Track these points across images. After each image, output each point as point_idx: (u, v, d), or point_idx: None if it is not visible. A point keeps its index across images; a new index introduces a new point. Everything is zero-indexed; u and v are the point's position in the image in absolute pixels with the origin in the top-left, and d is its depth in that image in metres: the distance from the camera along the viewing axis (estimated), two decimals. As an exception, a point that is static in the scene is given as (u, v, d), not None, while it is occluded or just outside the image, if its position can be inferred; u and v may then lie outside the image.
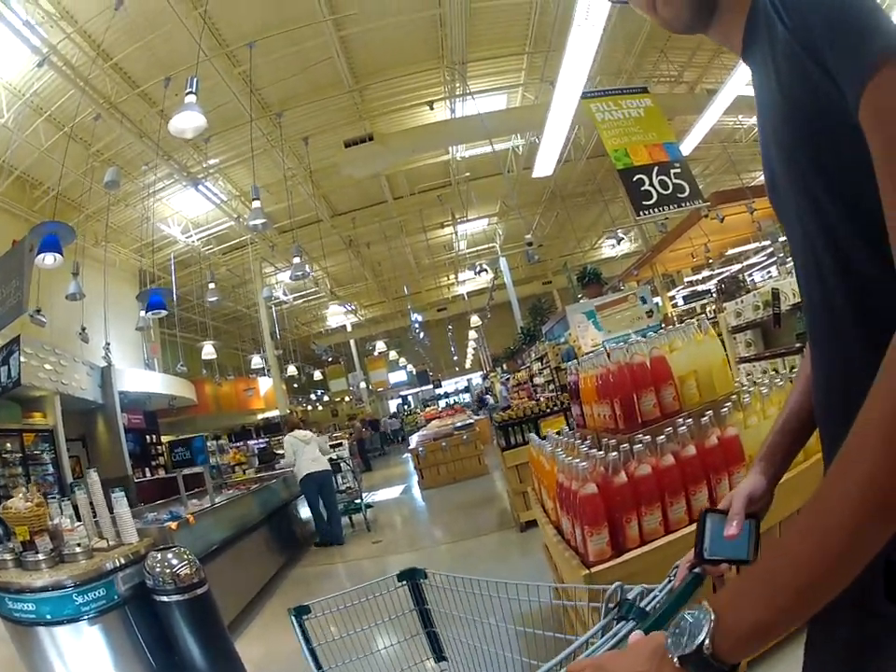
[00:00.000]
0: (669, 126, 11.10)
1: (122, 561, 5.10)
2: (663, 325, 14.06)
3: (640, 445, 3.12)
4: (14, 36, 10.69)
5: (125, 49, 12.63)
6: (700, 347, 3.97)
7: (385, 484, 18.64)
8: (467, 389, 48.78)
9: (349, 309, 33.30)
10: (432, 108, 16.87)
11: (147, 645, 5.02)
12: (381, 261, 30.15)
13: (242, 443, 27.61)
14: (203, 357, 20.28)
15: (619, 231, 19.67)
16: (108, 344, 15.66)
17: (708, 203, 11.79)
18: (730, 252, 17.93)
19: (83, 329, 14.16)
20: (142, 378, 19.28)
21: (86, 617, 4.75)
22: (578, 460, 3.15)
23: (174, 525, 6.23)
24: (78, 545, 5.11)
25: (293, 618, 2.60)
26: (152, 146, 14.86)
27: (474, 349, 41.16)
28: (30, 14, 10.78)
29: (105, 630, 4.86)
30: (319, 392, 41.93)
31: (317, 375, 34.55)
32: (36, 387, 13.69)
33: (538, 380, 18.92)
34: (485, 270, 18.86)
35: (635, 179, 10.17)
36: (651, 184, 10.12)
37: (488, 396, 37.32)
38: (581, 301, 15.03)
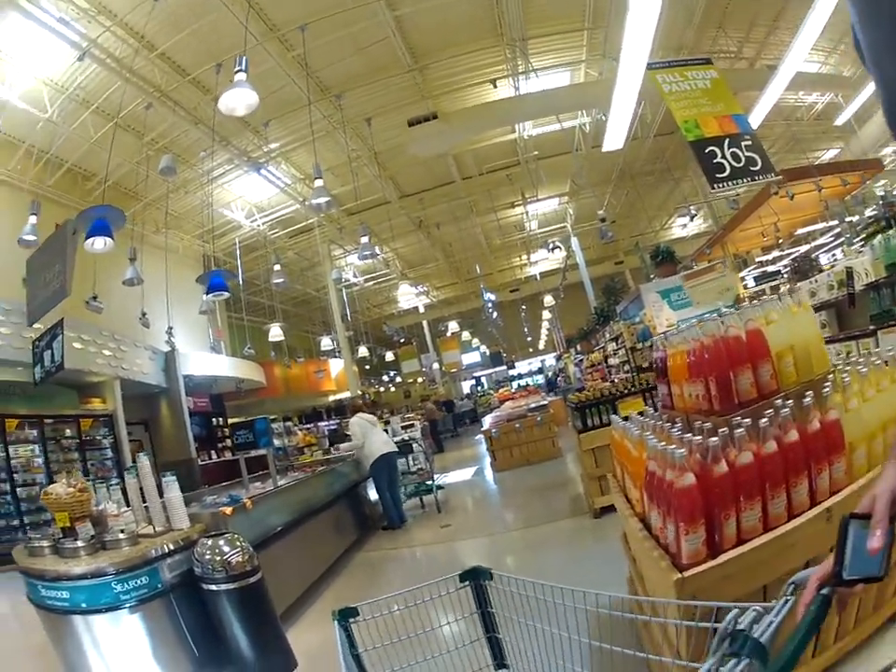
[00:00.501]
0: (736, 98, 10.65)
1: (170, 547, 4.93)
2: (737, 305, 14.01)
3: (741, 430, 2.68)
4: (50, 34, 10.95)
5: (170, 39, 12.71)
6: (796, 320, 3.52)
7: (457, 466, 18.28)
8: (540, 371, 48.37)
9: (420, 291, 33.05)
10: (496, 86, 16.58)
11: (192, 634, 4.84)
12: (451, 242, 29.81)
13: (312, 425, 27.63)
14: (271, 338, 20.37)
15: (691, 206, 18.91)
16: (171, 329, 15.78)
17: (781, 178, 11.41)
18: (799, 232, 17.27)
19: (143, 315, 14.30)
20: (207, 362, 19.39)
21: (126, 605, 4.58)
22: (673, 446, 2.72)
23: (228, 510, 5.96)
24: (122, 531, 4.92)
25: (337, 622, 2.44)
26: (209, 132, 14.77)
27: (548, 330, 40.83)
28: (62, 11, 10.91)
29: (147, 618, 4.70)
30: (391, 373, 41.90)
31: (389, 357, 34.53)
32: (94, 373, 13.80)
33: (612, 361, 18.59)
34: (559, 247, 18.41)
35: (707, 151, 9.95)
36: (724, 156, 9.91)
37: (559, 378, 37.09)
38: (654, 280, 14.64)
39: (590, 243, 32.28)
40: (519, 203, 26.11)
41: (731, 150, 9.98)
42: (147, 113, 13.91)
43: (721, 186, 9.75)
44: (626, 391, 8.43)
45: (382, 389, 44.18)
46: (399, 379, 42.98)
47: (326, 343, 25.06)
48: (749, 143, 10.16)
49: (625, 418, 5.27)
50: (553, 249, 16.37)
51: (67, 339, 12.19)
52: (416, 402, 37.81)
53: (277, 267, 15.74)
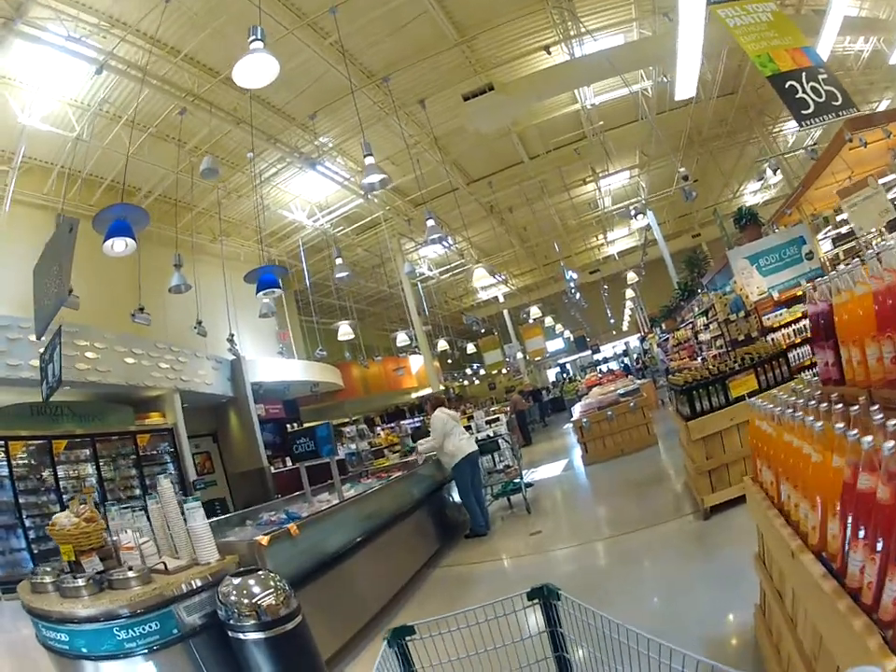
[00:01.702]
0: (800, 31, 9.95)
1: (190, 587, 4.17)
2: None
3: None
4: (63, 53, 10.84)
5: (193, 40, 12.24)
6: None
7: (546, 459, 17.08)
8: (625, 353, 47.10)
9: (499, 280, 32.11)
10: (549, 53, 15.70)
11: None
12: (526, 226, 28.98)
13: (395, 424, 27.04)
14: (340, 337, 19.62)
15: (769, 161, 17.75)
16: (232, 336, 15.19)
17: (859, 111, 10.12)
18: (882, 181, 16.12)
19: (199, 323, 13.74)
20: (277, 367, 19.03)
21: (136, 653, 3.88)
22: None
23: (264, 539, 5.03)
24: (130, 568, 4.17)
25: (387, 641, 2.44)
26: (253, 131, 14.14)
27: (631, 310, 39.57)
28: (70, 30, 10.68)
29: (161, 668, 3.96)
30: (475, 366, 41.18)
31: (471, 349, 33.90)
32: (150, 387, 13.59)
33: (703, 336, 17.49)
34: (641, 213, 17.35)
35: (787, 86, 9.21)
36: (805, 91, 9.17)
37: (638, 359, 36.14)
38: (737, 248, 14.25)
39: (664, 217, 31.25)
40: (591, 178, 25.30)
41: (810, 84, 9.27)
42: (184, 119, 13.52)
43: (808, 122, 8.93)
44: (738, 367, 7.28)
45: (466, 383, 43.52)
46: (482, 371, 42.21)
47: (401, 338, 24.09)
48: (826, 76, 9.50)
49: (738, 399, 4.35)
50: (635, 215, 15.29)
51: (118, 354, 12.64)
52: (502, 394, 37.09)
53: (339, 261, 14.87)
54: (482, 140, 19.17)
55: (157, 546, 4.70)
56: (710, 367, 7.46)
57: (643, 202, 28.53)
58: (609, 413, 13.71)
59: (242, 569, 4.40)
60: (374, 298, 31.94)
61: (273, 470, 16.49)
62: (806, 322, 12.48)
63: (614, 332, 45.56)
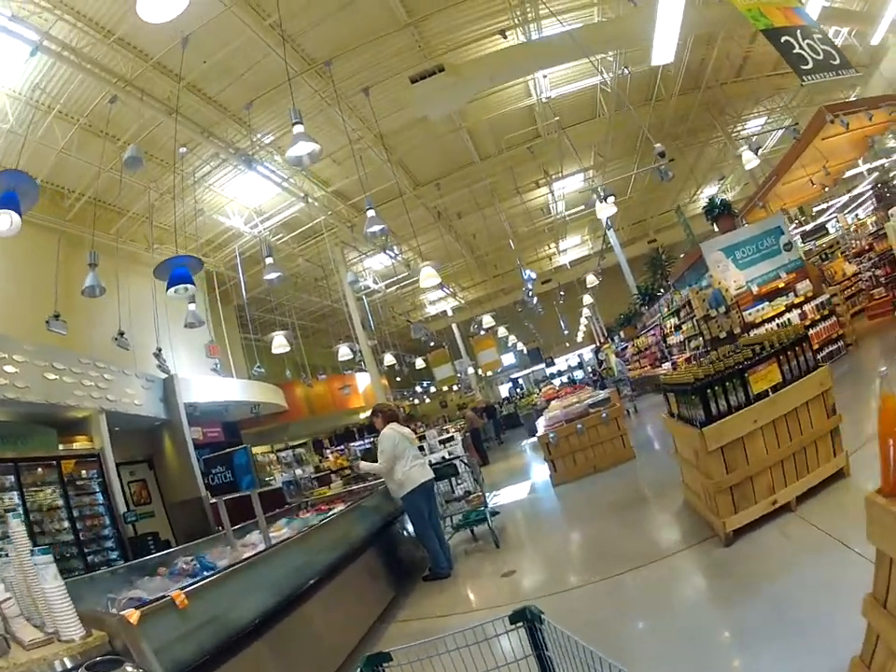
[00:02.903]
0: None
1: None
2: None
3: None
4: (4, 35, 10.09)
5: (127, 22, 11.10)
6: None
7: (508, 480, 15.51)
8: (580, 366, 46.49)
9: (448, 292, 31.49)
10: (505, 37, 14.76)
11: None
12: (475, 233, 27.92)
13: (343, 446, 25.74)
14: (275, 350, 17.56)
15: (751, 142, 16.88)
16: (160, 350, 13.82)
17: (860, 74, 12.73)
18: (849, 173, 17.01)
19: (121, 335, 12.53)
20: (213, 387, 17.60)
21: None
22: None
23: (133, 615, 3.59)
24: None
25: (362, 669, 2.39)
26: (187, 123, 13.84)
27: (587, 318, 38.79)
28: (14, 10, 10.05)
29: None
30: (424, 384, 40.15)
31: (420, 364, 32.72)
32: (73, 407, 12.37)
33: (674, 339, 16.45)
34: (613, 195, 16.28)
35: (783, 41, 9.86)
36: (801, 47, 9.83)
37: (593, 372, 35.48)
38: (711, 240, 13.78)
39: (619, 224, 30.84)
40: (543, 181, 24.43)
41: (806, 42, 9.87)
42: (116, 112, 12.60)
43: (809, 77, 9.64)
44: (758, 357, 5.90)
45: (416, 402, 42.46)
46: (432, 389, 41.15)
47: (344, 352, 22.16)
48: (820, 37, 10.19)
49: (759, 395, 4.98)
50: (605, 198, 14.16)
51: (38, 369, 11.34)
52: (454, 412, 36.03)
53: (270, 260, 13.21)
54: (430, 137, 18.39)
55: (20, 607, 3.42)
56: (725, 361, 5.99)
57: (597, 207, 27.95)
58: (579, 425, 12.11)
59: (101, 658, 3.21)
60: (318, 313, 31.05)
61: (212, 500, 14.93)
62: (791, 316, 11.69)
63: (567, 344, 45.54)
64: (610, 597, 5.62)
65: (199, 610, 4.16)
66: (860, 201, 17.64)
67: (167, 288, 9.62)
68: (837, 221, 15.66)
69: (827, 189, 17.07)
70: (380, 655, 2.39)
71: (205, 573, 5.29)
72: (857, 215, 16.20)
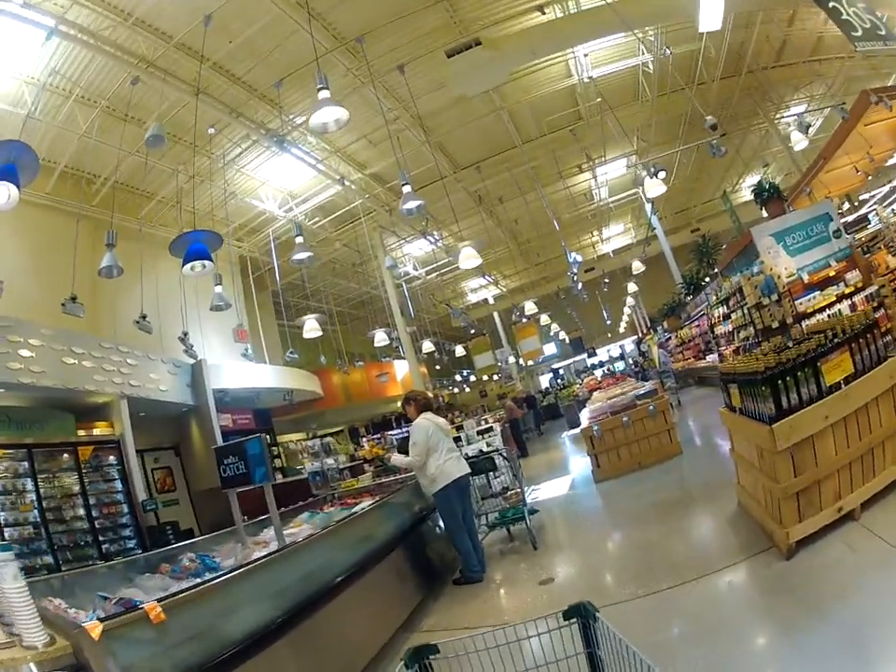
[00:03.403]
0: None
1: None
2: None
3: None
4: (18, 22, 9.99)
5: (146, 3, 11.06)
6: None
7: (548, 475, 14.77)
8: (621, 357, 45.85)
9: (489, 280, 31.20)
10: (544, 13, 14.23)
11: None
12: (517, 219, 27.34)
13: (380, 435, 25.29)
14: (306, 334, 16.93)
15: (800, 118, 16.12)
16: (186, 334, 13.33)
17: None
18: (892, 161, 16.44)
19: (143, 318, 11.98)
20: (245, 372, 17.26)
21: None
22: None
23: (94, 629, 3.08)
24: None
25: (405, 662, 2.28)
26: (213, 102, 13.54)
27: (630, 307, 37.97)
28: None
29: None
30: (465, 372, 39.64)
31: (459, 351, 31.85)
32: (93, 392, 12.16)
33: (721, 329, 15.78)
34: (664, 170, 15.65)
35: (831, 6, 9.85)
36: (848, 14, 9.79)
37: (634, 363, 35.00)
38: (762, 224, 13.15)
39: (662, 213, 30.17)
40: (586, 166, 23.79)
41: (852, 10, 9.81)
42: (139, 94, 12.54)
43: (860, 45, 9.66)
44: (829, 345, 5.26)
45: (456, 391, 41.96)
46: (472, 378, 40.58)
47: (380, 338, 21.47)
48: (864, 5, 10.07)
49: (832, 388, 4.60)
50: (656, 173, 13.53)
51: (55, 353, 11.22)
52: (493, 402, 35.51)
53: (300, 239, 12.50)
54: (469, 119, 17.92)
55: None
56: (767, 353, 5.38)
57: (641, 194, 27.34)
58: (625, 418, 11.46)
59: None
60: (357, 300, 30.75)
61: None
62: (842, 307, 11.15)
63: (609, 335, 45.17)
64: (659, 616, 4.95)
65: (181, 625, 3.64)
66: None
67: (183, 265, 9.10)
68: (876, 214, 14.96)
69: (870, 177, 16.55)
70: (427, 647, 2.33)
71: (206, 575, 5.02)
72: None
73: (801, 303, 11.56)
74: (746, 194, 31.39)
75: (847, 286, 11.69)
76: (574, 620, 2.29)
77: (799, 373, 5.07)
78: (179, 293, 14.11)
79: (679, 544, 6.62)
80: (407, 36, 13.74)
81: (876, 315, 11.20)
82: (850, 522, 5.03)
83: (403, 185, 11.27)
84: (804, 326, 10.79)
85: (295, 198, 19.15)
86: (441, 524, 8.07)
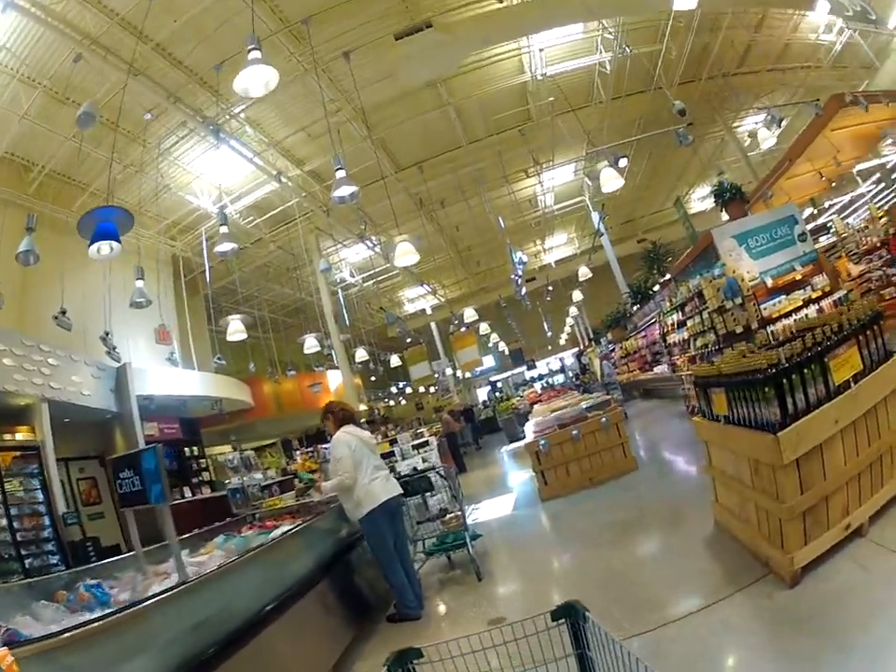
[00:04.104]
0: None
1: None
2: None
3: None
4: None
5: None
6: None
7: (488, 492, 13.88)
8: (561, 370, 45.48)
9: (428, 290, 30.42)
10: (501, 2, 13.68)
11: None
12: (459, 225, 26.71)
13: (312, 448, 24.38)
14: (230, 337, 15.94)
15: (770, 112, 15.68)
16: (107, 335, 12.39)
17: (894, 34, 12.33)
18: (860, 167, 16.18)
19: (62, 313, 11.20)
20: (171, 378, 16.47)
21: None
22: None
23: None
24: None
25: (388, 667, 2.23)
26: (153, 85, 12.80)
27: (573, 318, 37.67)
28: None
29: None
30: (401, 384, 39.00)
31: (395, 361, 31.44)
32: (11, 393, 11.43)
33: (674, 338, 15.38)
34: (625, 156, 14.96)
35: None
36: None
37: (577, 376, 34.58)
38: (723, 226, 12.78)
39: (608, 223, 29.14)
40: (533, 171, 23.35)
41: None
42: (83, 78, 12.12)
43: (852, 25, 10.58)
44: (836, 338, 4.56)
45: (391, 403, 41.31)
46: (408, 390, 39.98)
47: (310, 343, 20.40)
48: None
49: (840, 388, 4.12)
50: (616, 161, 12.76)
51: None
52: (430, 415, 34.77)
53: (224, 229, 11.53)
54: (414, 114, 17.47)
55: None
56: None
57: (587, 202, 26.87)
58: (575, 431, 10.56)
59: None
60: (291, 307, 29.73)
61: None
62: (809, 312, 10.71)
63: (549, 347, 44.97)
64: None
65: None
66: (865, 199, 16.89)
67: (89, 246, 8.20)
68: (833, 225, 14.78)
69: (834, 184, 16.55)
70: (410, 651, 2.26)
71: (97, 610, 4.15)
72: (868, 210, 15.40)
73: (765, 308, 11.05)
74: (696, 205, 32.14)
75: (814, 290, 11.29)
76: (563, 621, 2.22)
77: (806, 371, 4.29)
78: (104, 290, 13.43)
79: (652, 574, 5.70)
80: (355, 21, 13.12)
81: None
82: (858, 538, 4.41)
83: (337, 169, 10.31)
84: (769, 330, 10.19)
85: (230, 194, 18.27)
86: (373, 555, 6.87)
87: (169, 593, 3.93)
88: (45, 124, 12.80)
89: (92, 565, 5.65)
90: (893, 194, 14.92)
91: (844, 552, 4.31)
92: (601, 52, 16.80)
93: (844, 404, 4.36)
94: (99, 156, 14.28)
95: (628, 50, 15.59)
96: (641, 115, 20.15)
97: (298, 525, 6.24)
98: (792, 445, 4.11)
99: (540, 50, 16.01)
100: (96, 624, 3.29)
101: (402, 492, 6.93)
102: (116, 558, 5.83)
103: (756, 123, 19.89)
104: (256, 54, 7.16)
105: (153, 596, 3.84)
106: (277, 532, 6.13)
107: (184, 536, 6.39)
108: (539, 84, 17.60)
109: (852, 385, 4.47)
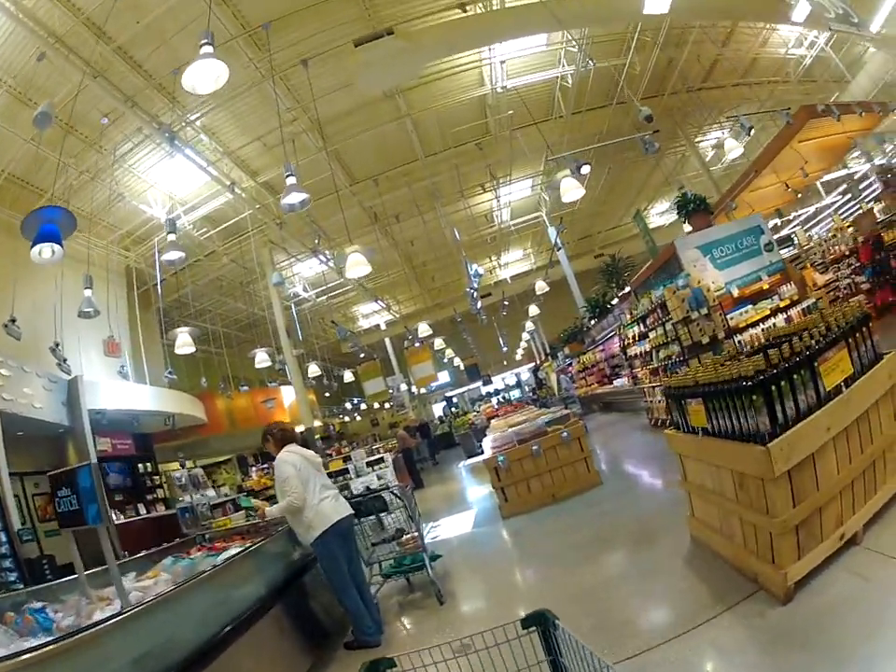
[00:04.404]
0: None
1: None
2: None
3: None
4: None
5: None
6: None
7: (447, 509, 13.53)
8: (517, 385, 45.53)
9: (382, 305, 30.28)
10: (465, 11, 13.48)
11: None
12: (413, 240, 26.41)
13: (268, 465, 23.99)
14: (178, 350, 15.44)
15: (741, 121, 15.50)
16: (58, 345, 12.11)
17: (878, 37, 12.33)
18: (826, 178, 16.87)
19: (12, 321, 10.85)
20: (123, 393, 16.06)
21: None
22: None
23: None
24: None
25: None
26: (111, 88, 12.47)
27: (529, 333, 37.28)
28: None
29: None
30: (355, 400, 38.61)
31: (348, 377, 30.73)
32: None
33: (635, 350, 15.60)
34: (588, 163, 14.77)
35: None
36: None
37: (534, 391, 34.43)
38: (686, 237, 12.76)
39: (564, 238, 28.99)
40: (489, 186, 23.13)
41: None
42: (45, 78, 11.71)
43: (834, 26, 10.49)
44: (825, 341, 4.40)
45: (346, 419, 40.94)
46: (363, 406, 39.66)
47: (262, 358, 20.01)
48: None
49: (831, 393, 4.00)
50: (579, 168, 12.50)
51: None
52: (385, 431, 34.53)
53: (172, 237, 11.12)
54: (371, 126, 17.30)
55: None
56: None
57: (544, 217, 26.74)
58: (535, 447, 10.25)
59: None
60: (244, 322, 29.22)
61: (119, 520, 14.58)
62: (777, 321, 10.67)
63: (505, 363, 45.14)
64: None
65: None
66: (829, 210, 17.08)
67: (31, 246, 7.91)
68: (796, 236, 14.82)
69: (800, 195, 16.93)
70: (383, 661, 2.21)
71: (40, 636, 4.12)
72: (832, 221, 15.57)
73: (731, 318, 10.97)
74: (655, 220, 32.42)
75: (781, 299, 11.22)
76: (533, 628, 2.24)
77: (796, 377, 4.07)
78: (56, 300, 12.95)
79: (629, 594, 5.37)
80: (316, 28, 13.03)
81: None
82: (853, 547, 4.26)
83: (287, 176, 9.90)
84: (736, 340, 10.22)
85: (183, 205, 17.94)
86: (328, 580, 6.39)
87: (104, 624, 3.59)
88: (6, 125, 12.46)
89: (41, 586, 5.46)
90: (858, 205, 15.03)
91: (838, 562, 4.14)
92: (563, 66, 16.77)
93: (836, 410, 4.19)
94: (56, 159, 13.60)
95: (592, 64, 15.48)
96: (601, 130, 20.00)
97: (247, 548, 5.83)
98: (784, 456, 3.88)
99: (502, 63, 15.93)
100: (24, 657, 2.96)
101: (353, 512, 6.54)
102: (66, 579, 5.59)
103: (723, 133, 20.04)
104: (208, 49, 6.86)
105: (87, 628, 3.50)
106: (225, 555, 5.75)
107: (132, 557, 6.42)
108: (498, 97, 17.47)
109: (843, 389, 4.30)
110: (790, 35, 17.68)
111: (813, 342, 4.28)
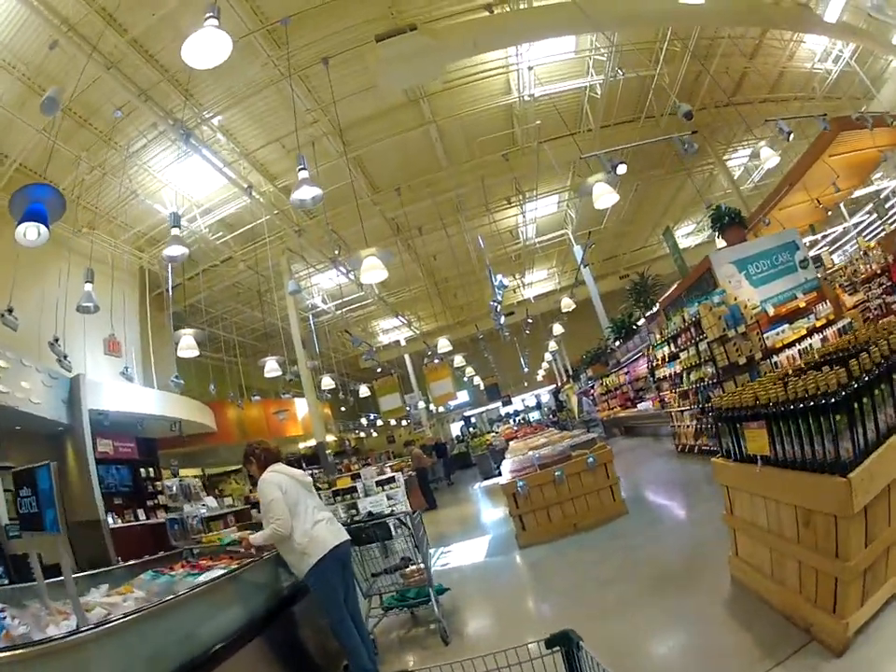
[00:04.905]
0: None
1: None
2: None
3: None
4: None
5: None
6: None
7: (460, 533, 12.69)
8: (537, 406, 44.90)
9: (403, 321, 29.43)
10: (492, 12, 12.93)
11: None
12: (436, 254, 25.94)
13: None
14: (180, 353, 14.60)
15: (779, 125, 14.78)
16: (56, 340, 11.77)
17: None
18: (858, 193, 16.90)
19: (9, 311, 10.29)
20: (127, 395, 15.65)
21: None
22: None
23: None
24: None
25: None
26: (125, 81, 12.07)
27: (552, 353, 36.54)
28: None
29: None
30: (371, 416, 38.06)
31: (364, 391, 29.87)
32: None
33: (664, 371, 14.78)
34: (623, 162, 14.10)
35: None
36: None
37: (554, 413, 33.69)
38: (721, 250, 12.32)
39: (589, 258, 28.65)
40: (515, 199, 22.47)
41: None
42: (58, 68, 11.42)
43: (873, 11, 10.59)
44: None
45: (362, 435, 40.47)
46: (379, 422, 39.02)
47: (271, 367, 19.21)
48: None
49: None
50: (615, 168, 11.83)
51: None
52: (401, 448, 34.06)
53: (176, 231, 10.43)
54: (395, 131, 16.81)
55: None
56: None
57: (570, 236, 26.18)
58: (558, 472, 9.52)
59: None
60: (260, 332, 28.65)
61: (117, 524, 14.03)
62: (813, 341, 9.97)
63: (526, 383, 44.43)
64: None
65: None
66: (852, 232, 17.08)
67: (17, 225, 7.40)
68: (821, 261, 14.41)
69: (830, 212, 16.72)
70: None
71: None
72: (856, 242, 15.11)
73: (768, 337, 10.42)
74: (681, 241, 31.28)
75: (817, 318, 10.66)
76: (557, 648, 2.19)
77: (877, 392, 3.45)
78: (60, 293, 12.90)
79: (660, 641, 4.71)
80: (337, 27, 12.61)
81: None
82: None
83: (300, 169, 9.32)
84: (772, 361, 9.73)
85: (199, 207, 17.51)
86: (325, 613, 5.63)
87: (43, 645, 2.99)
88: (19, 114, 12.12)
89: (26, 584, 5.03)
90: (882, 226, 14.88)
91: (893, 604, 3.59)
92: (592, 75, 16.35)
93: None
94: (68, 153, 13.70)
95: (621, 73, 15.22)
96: (630, 143, 19.33)
97: (230, 571, 5.14)
98: (864, 488, 3.24)
99: (530, 69, 15.45)
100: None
101: (349, 537, 5.79)
102: (53, 580, 4.82)
103: (758, 143, 19.44)
104: (213, 22, 6.35)
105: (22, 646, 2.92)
106: (206, 576, 5.09)
107: (123, 564, 6.37)
108: (525, 106, 17.03)
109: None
110: (816, 48, 17.38)
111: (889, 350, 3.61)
